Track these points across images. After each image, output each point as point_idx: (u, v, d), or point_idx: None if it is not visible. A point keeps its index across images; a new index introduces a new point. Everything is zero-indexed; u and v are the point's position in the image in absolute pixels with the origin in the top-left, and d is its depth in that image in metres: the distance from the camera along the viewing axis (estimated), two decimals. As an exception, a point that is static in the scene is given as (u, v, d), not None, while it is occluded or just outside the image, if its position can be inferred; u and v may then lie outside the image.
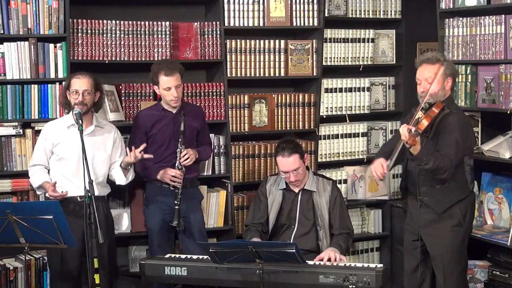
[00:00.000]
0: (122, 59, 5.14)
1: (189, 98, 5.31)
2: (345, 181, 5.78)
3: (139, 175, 4.87)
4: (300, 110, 5.63)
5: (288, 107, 5.61)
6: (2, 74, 4.84)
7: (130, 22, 5.15)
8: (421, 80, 4.37)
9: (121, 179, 4.67)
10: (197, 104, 5.26)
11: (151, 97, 5.20)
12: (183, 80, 4.86)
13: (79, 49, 5.02)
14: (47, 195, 4.54)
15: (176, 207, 4.76)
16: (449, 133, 4.28)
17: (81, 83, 4.48)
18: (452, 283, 4.44)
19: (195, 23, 5.34)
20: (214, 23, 5.37)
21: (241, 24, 5.42)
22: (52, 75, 4.91)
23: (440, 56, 4.43)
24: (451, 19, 5.17)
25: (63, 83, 4.70)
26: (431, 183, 4.38)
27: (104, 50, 5.09)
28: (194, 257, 4.51)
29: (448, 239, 4.41)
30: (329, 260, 4.45)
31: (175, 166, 4.80)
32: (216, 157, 5.38)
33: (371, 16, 5.83)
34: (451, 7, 5.16)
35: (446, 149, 4.24)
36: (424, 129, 4.17)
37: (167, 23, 5.25)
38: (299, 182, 4.77)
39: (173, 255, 4.63)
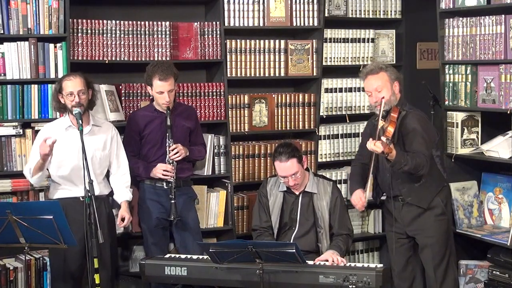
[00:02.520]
0: (122, 59, 5.14)
1: (189, 98, 5.32)
2: (345, 181, 5.77)
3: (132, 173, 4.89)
4: (300, 110, 5.63)
5: (288, 107, 5.61)
6: (2, 74, 4.84)
7: (130, 22, 5.15)
8: (371, 91, 4.56)
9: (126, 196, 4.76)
10: (190, 105, 5.26)
11: (151, 97, 5.19)
12: (179, 81, 4.88)
13: (79, 49, 5.02)
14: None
15: (172, 201, 4.77)
16: (413, 132, 4.47)
17: (74, 84, 4.46)
18: (443, 271, 4.57)
19: (195, 23, 5.34)
20: (214, 23, 5.37)
21: (241, 24, 5.42)
22: (52, 75, 4.90)
23: (381, 65, 4.65)
24: (451, 19, 5.17)
25: (53, 87, 4.63)
26: (410, 183, 4.55)
27: (104, 50, 5.09)
28: (194, 257, 4.51)
29: (435, 229, 4.59)
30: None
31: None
32: (216, 157, 5.38)
33: (371, 16, 5.83)
34: (451, 7, 5.16)
35: (416, 147, 4.42)
36: (392, 135, 4.33)
37: (167, 23, 5.24)
38: (298, 185, 4.76)
39: (173, 255, 4.63)
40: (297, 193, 4.81)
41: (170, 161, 4.79)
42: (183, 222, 4.88)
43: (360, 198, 4.65)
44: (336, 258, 4.45)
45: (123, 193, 4.73)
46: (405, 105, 4.60)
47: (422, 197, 4.57)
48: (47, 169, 4.55)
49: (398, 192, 4.60)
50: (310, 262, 4.32)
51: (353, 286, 4.11)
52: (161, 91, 4.74)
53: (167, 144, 4.79)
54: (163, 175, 4.79)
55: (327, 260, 4.43)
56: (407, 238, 4.67)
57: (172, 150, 4.78)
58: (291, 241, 4.72)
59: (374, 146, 4.25)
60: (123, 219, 4.69)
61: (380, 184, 4.74)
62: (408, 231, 4.64)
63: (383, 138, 4.22)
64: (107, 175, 4.73)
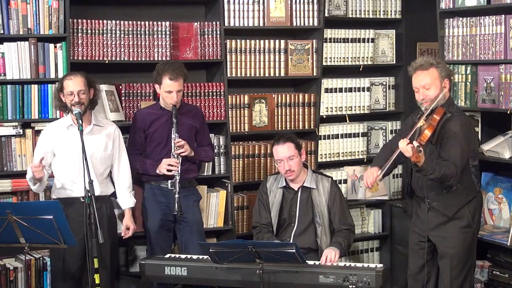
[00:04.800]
0: (122, 59, 5.14)
1: (189, 98, 5.32)
2: (345, 181, 5.79)
3: (137, 172, 4.90)
4: (300, 110, 5.63)
5: (288, 107, 5.61)
6: (2, 74, 4.84)
7: (130, 22, 5.15)
8: (419, 88, 4.32)
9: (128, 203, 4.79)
10: (196, 105, 5.26)
11: (151, 97, 5.20)
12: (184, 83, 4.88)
13: (79, 49, 5.02)
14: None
15: (176, 195, 4.75)
16: (453, 138, 4.23)
17: (74, 84, 4.47)
18: (459, 283, 4.41)
19: (195, 23, 5.34)
20: (214, 23, 5.37)
21: (241, 24, 5.42)
22: (52, 75, 4.91)
23: (432, 60, 4.38)
24: (451, 19, 5.17)
25: (55, 86, 4.65)
26: (439, 189, 4.34)
27: (104, 50, 5.09)
28: (194, 257, 4.51)
29: (459, 240, 4.37)
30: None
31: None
32: (216, 157, 5.38)
33: (371, 16, 5.84)
34: (451, 7, 5.16)
35: (451, 156, 4.19)
36: (427, 139, 4.12)
37: (167, 23, 5.25)
38: (293, 173, 4.74)
39: (173, 255, 4.63)
40: (295, 188, 4.81)
41: (175, 155, 4.78)
42: (189, 223, 4.89)
43: (372, 173, 4.35)
44: (330, 254, 4.46)
45: (126, 198, 4.75)
46: (452, 106, 4.39)
47: (449, 205, 4.35)
48: (49, 169, 4.58)
49: (426, 194, 4.40)
50: (310, 262, 4.32)
51: (353, 286, 4.11)
52: (169, 91, 4.74)
53: (172, 138, 4.78)
54: (167, 170, 4.78)
55: (325, 260, 4.44)
56: (428, 242, 4.47)
57: (177, 143, 4.76)
58: (291, 238, 4.74)
59: (404, 146, 4.02)
60: (127, 228, 4.75)
61: (413, 182, 4.52)
62: (430, 236, 4.45)
63: (415, 143, 4.00)
64: (110, 176, 4.73)
